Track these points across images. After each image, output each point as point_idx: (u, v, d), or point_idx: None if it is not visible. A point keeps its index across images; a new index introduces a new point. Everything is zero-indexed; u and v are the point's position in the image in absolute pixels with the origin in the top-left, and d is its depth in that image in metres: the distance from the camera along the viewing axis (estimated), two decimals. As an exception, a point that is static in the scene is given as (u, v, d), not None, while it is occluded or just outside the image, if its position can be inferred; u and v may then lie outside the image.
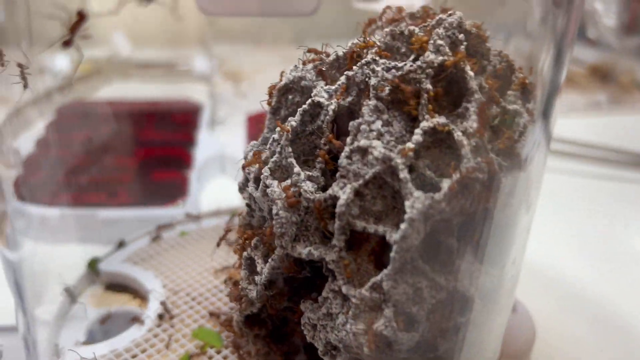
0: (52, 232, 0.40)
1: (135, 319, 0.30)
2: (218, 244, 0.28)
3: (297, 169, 0.22)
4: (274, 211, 0.21)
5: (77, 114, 0.56)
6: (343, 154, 0.20)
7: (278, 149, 0.22)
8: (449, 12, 0.23)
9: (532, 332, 0.33)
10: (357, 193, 0.20)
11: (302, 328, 0.23)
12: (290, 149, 0.22)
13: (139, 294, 0.33)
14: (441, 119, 0.20)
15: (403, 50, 0.23)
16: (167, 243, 0.37)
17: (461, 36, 0.22)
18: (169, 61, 0.82)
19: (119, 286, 0.34)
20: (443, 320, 0.21)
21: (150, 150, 0.54)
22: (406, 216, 0.19)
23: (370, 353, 0.20)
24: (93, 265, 0.34)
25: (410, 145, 0.20)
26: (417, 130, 0.20)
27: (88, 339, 0.30)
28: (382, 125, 0.21)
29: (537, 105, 0.22)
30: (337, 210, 0.20)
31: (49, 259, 0.38)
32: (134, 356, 0.28)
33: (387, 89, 0.21)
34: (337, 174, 0.21)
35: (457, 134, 0.20)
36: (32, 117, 0.55)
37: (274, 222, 0.21)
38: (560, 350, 0.36)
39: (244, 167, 0.25)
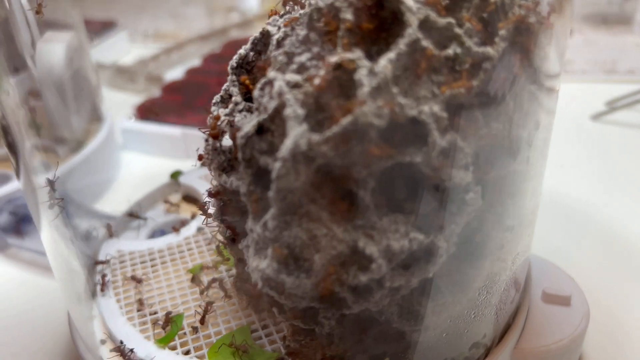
0: (168, 147, 0.47)
1: (174, 228, 0.34)
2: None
3: (235, 97, 0.22)
4: (205, 138, 0.22)
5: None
6: (258, 85, 0.20)
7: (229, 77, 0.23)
8: None
9: (583, 330, 0.28)
10: (265, 128, 0.20)
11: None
12: (234, 77, 0.22)
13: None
14: (352, 54, 0.18)
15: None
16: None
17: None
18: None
19: (192, 198, 0.39)
20: (344, 274, 0.19)
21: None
22: (279, 154, 0.18)
23: (263, 289, 0.20)
24: (175, 176, 0.39)
25: (316, 81, 0.18)
26: (324, 65, 0.18)
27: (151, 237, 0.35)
28: (311, 59, 0.19)
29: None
30: (237, 142, 0.20)
31: (156, 169, 0.45)
32: (162, 256, 0.32)
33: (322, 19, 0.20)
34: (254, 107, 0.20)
35: (360, 73, 0.18)
36: (199, 50, 0.62)
37: (204, 149, 0.22)
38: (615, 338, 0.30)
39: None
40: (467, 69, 0.19)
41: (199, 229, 0.34)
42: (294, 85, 0.18)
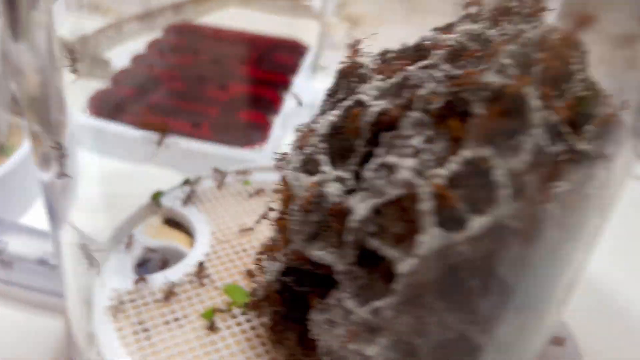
0: (129, 151, 0.42)
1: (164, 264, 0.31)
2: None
3: (325, 167, 0.21)
4: (293, 206, 0.21)
5: (183, 36, 0.58)
6: (370, 166, 0.19)
7: (315, 141, 0.21)
8: (536, 21, 0.20)
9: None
10: (377, 211, 0.19)
11: (308, 323, 0.23)
12: (323, 145, 0.21)
13: (191, 235, 0.35)
14: (484, 151, 0.18)
15: (480, 54, 0.21)
16: (228, 190, 0.38)
17: (539, 55, 0.19)
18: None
19: (175, 222, 0.36)
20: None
21: (244, 87, 0.55)
22: (416, 251, 0.18)
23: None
24: (156, 197, 0.36)
25: (442, 172, 0.18)
26: (455, 158, 0.18)
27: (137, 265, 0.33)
28: (424, 142, 0.19)
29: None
30: (350, 224, 0.19)
31: (120, 179, 0.41)
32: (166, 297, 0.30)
33: (438, 102, 0.19)
34: (361, 186, 0.19)
35: (499, 172, 0.18)
36: (137, 32, 0.56)
37: (291, 217, 0.21)
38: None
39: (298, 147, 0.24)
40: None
41: (200, 264, 0.32)
42: (422, 175, 0.18)
